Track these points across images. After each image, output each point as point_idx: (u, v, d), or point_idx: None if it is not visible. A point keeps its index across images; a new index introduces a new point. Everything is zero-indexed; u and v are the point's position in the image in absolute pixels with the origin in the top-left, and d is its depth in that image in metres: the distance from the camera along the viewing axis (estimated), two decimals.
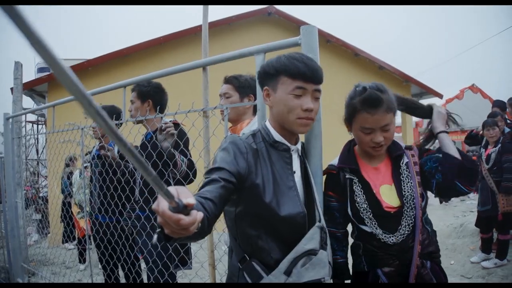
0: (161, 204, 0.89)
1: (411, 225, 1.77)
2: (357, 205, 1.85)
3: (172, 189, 0.89)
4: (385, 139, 1.77)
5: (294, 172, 1.70)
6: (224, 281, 1.87)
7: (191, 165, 2.87)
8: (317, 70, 1.59)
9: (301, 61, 1.58)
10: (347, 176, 1.89)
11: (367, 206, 1.82)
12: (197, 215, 0.94)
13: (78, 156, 3.85)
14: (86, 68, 8.50)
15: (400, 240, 1.77)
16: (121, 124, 3.38)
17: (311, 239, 1.61)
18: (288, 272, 1.55)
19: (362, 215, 1.83)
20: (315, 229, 1.64)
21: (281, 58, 1.62)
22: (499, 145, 5.40)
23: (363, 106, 1.74)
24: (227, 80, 2.74)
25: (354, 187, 1.86)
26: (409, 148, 1.93)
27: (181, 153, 2.81)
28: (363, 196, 1.84)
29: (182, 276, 4.38)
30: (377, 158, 1.91)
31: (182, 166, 2.77)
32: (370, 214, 1.82)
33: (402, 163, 1.86)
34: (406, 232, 1.77)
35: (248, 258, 1.67)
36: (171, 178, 2.79)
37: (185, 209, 0.89)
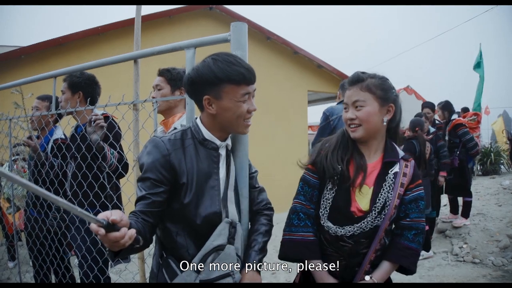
0: (92, 225, 1.15)
1: (370, 233, 1.78)
2: (326, 192, 1.86)
3: (106, 214, 1.18)
4: (357, 119, 1.79)
5: (219, 168, 1.73)
6: None
7: (120, 158, 2.83)
8: (253, 70, 1.63)
9: (240, 65, 1.59)
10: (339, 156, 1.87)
11: (336, 198, 1.83)
12: (128, 231, 1.21)
13: (3, 148, 3.69)
14: (19, 56, 8.12)
15: (355, 243, 1.79)
16: (60, 115, 3.31)
17: (219, 235, 1.66)
18: (198, 270, 1.61)
19: (326, 203, 1.85)
20: (223, 224, 1.68)
21: (218, 65, 1.59)
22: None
23: (347, 83, 1.87)
24: (160, 73, 2.73)
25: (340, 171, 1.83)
26: (406, 159, 1.88)
27: (110, 146, 2.77)
28: (335, 188, 1.84)
29: (114, 272, 4.32)
30: (370, 154, 1.87)
31: (111, 160, 2.73)
32: (335, 208, 1.83)
33: (391, 171, 1.83)
34: (363, 239, 1.79)
35: (165, 255, 1.73)
36: (100, 172, 2.74)
37: (112, 226, 1.16)
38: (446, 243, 6.08)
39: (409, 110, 12.63)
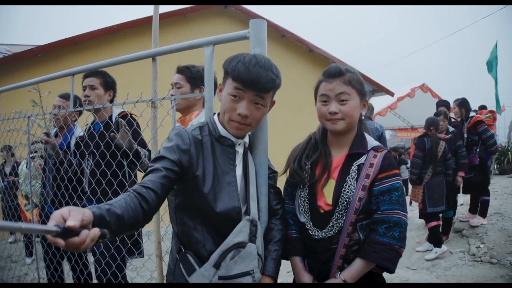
0: (47, 235, 0.99)
1: (337, 227, 1.76)
2: (300, 191, 1.89)
3: (61, 212, 1.04)
4: (341, 113, 1.76)
5: (236, 166, 1.74)
6: None
7: (150, 155, 2.87)
8: (260, 79, 1.59)
9: (246, 66, 1.59)
10: (303, 160, 1.91)
11: (306, 196, 1.85)
12: (90, 233, 1.06)
13: (18, 145, 3.73)
14: (36, 55, 8.22)
15: (324, 237, 1.78)
16: (80, 113, 3.37)
17: (240, 232, 1.66)
18: (217, 265, 1.61)
19: (299, 201, 1.88)
20: (244, 222, 1.68)
21: (234, 60, 1.64)
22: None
23: (324, 76, 1.83)
24: (179, 70, 2.73)
25: (305, 173, 1.87)
26: (376, 149, 1.83)
27: (140, 144, 2.80)
28: (307, 185, 1.85)
29: (131, 269, 4.35)
30: (341, 148, 1.87)
31: (145, 161, 2.79)
32: (306, 205, 1.85)
33: (356, 163, 1.80)
34: (331, 233, 1.77)
35: (183, 250, 1.73)
36: (119, 169, 2.78)
37: (69, 232, 1.01)
38: (463, 243, 6.01)
39: (425, 108, 12.58)
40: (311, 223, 1.83)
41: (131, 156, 2.70)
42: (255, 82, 1.59)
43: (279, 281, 1.87)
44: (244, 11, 10.06)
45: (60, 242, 1.00)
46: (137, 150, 2.72)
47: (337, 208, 1.75)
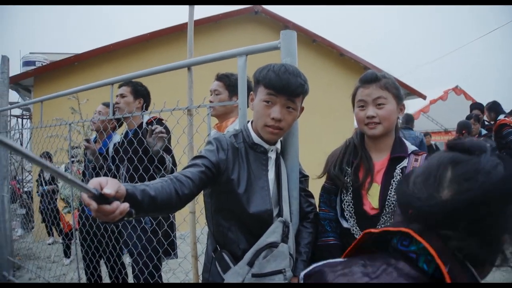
0: (83, 194, 1.07)
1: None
2: (343, 196, 1.93)
3: (100, 179, 1.11)
4: (378, 117, 1.82)
5: (268, 171, 1.83)
6: None
7: (174, 161, 2.99)
8: (290, 84, 1.68)
9: (277, 73, 1.69)
10: (344, 164, 1.95)
11: (351, 201, 1.89)
12: (121, 206, 1.12)
13: (60, 150, 3.90)
14: (73, 63, 8.50)
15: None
16: (120, 121, 3.54)
17: (273, 233, 1.74)
18: (251, 263, 1.70)
19: (344, 206, 1.92)
20: (277, 223, 1.77)
21: (265, 69, 1.75)
22: None
23: (360, 82, 1.89)
24: (219, 78, 2.84)
25: (347, 178, 1.92)
26: (416, 153, 1.87)
27: (166, 150, 2.91)
28: (351, 189, 1.90)
29: (166, 270, 4.47)
30: (380, 153, 1.91)
31: (170, 166, 2.89)
32: (352, 210, 1.89)
33: (399, 166, 1.84)
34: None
35: (219, 249, 1.83)
36: (152, 177, 2.89)
37: (103, 198, 1.06)
38: None
39: (457, 111, 12.36)
40: (357, 228, 1.86)
41: (155, 161, 2.80)
42: (286, 87, 1.68)
43: None
44: (274, 17, 10.11)
45: (93, 204, 1.06)
46: (162, 156, 2.82)
47: (384, 211, 1.79)
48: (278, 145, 1.92)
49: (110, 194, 1.08)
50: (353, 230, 1.87)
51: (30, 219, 7.46)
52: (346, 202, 1.91)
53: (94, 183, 1.09)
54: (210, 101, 2.79)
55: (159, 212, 1.48)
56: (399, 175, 1.81)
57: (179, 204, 1.50)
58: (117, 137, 3.77)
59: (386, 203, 1.79)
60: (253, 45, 2.10)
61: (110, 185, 1.10)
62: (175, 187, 1.46)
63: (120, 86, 3.33)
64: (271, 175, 1.85)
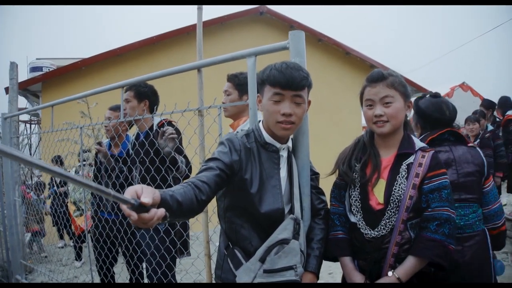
0: (122, 206, 1.11)
1: (389, 226, 1.81)
2: (351, 191, 1.98)
3: (136, 188, 1.15)
4: (386, 115, 1.84)
5: (280, 169, 1.87)
6: None
7: (187, 162, 3.02)
8: (294, 78, 1.73)
9: (280, 70, 1.74)
10: (352, 161, 2.00)
11: (358, 196, 1.93)
12: (158, 212, 1.17)
13: (70, 155, 3.95)
14: (80, 68, 8.56)
15: (377, 236, 1.83)
16: (131, 124, 3.54)
17: (284, 230, 1.78)
18: (263, 260, 1.73)
19: (351, 201, 1.96)
20: (288, 220, 1.81)
21: (267, 69, 1.80)
22: (478, 141, 5.70)
23: (368, 81, 1.92)
24: (228, 78, 2.88)
25: (355, 174, 1.96)
26: (424, 149, 1.89)
27: (177, 151, 2.94)
28: (358, 185, 1.94)
29: (179, 270, 4.50)
30: (389, 149, 1.94)
31: (182, 167, 2.92)
32: (358, 205, 1.92)
33: (405, 162, 1.86)
34: (384, 231, 1.82)
35: (231, 246, 1.87)
36: (170, 178, 2.93)
37: (142, 207, 1.11)
38: (507, 244, 5.88)
39: (464, 108, 12.31)
40: (363, 222, 1.89)
41: (167, 162, 2.83)
42: (290, 82, 1.73)
43: (320, 282, 1.96)
44: (280, 17, 10.13)
45: (134, 215, 1.10)
46: (174, 157, 2.85)
47: (389, 206, 1.82)
48: (290, 143, 1.95)
49: (148, 203, 1.12)
50: (359, 224, 1.91)
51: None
52: (354, 197, 1.95)
53: (130, 192, 1.13)
54: (223, 102, 2.83)
55: (183, 217, 1.52)
56: (405, 171, 1.84)
57: (198, 209, 1.55)
58: (131, 137, 3.81)
59: (391, 198, 1.82)
60: (262, 46, 2.14)
61: (146, 194, 1.14)
62: (195, 193, 1.51)
63: (125, 91, 3.32)
64: (283, 173, 1.88)
